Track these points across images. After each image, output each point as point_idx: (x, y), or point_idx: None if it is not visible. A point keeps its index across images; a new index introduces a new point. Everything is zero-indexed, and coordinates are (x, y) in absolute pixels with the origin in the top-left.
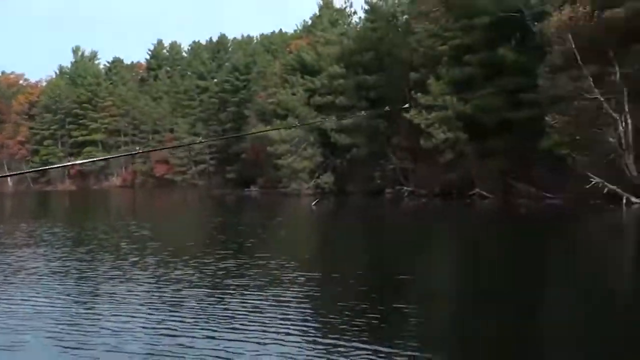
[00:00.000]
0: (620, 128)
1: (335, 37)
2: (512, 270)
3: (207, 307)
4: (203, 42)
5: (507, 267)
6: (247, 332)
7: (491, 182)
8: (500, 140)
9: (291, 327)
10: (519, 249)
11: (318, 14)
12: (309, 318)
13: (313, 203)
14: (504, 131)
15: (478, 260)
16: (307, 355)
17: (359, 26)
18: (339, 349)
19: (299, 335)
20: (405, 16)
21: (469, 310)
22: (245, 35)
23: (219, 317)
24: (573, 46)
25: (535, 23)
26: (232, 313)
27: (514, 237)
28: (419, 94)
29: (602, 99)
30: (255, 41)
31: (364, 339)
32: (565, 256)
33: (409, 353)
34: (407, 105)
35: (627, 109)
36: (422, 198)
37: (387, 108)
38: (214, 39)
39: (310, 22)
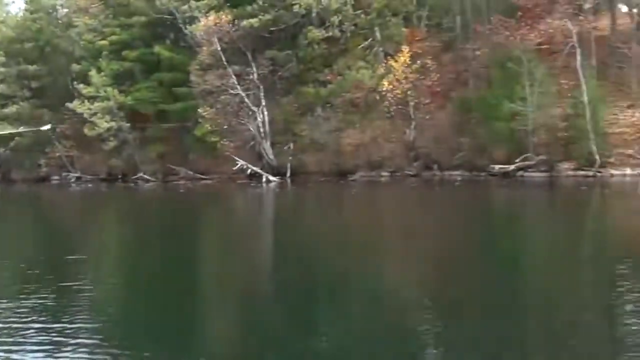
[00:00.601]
0: (259, 119)
1: None
2: (173, 237)
3: None
4: None
5: (165, 235)
6: None
7: (153, 167)
8: (159, 128)
9: None
10: (174, 220)
11: None
12: None
13: None
14: (163, 120)
15: (140, 235)
16: None
17: (19, 15)
18: (19, 331)
19: None
20: (66, 9)
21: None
22: None
23: None
24: (219, 48)
25: (187, 26)
26: None
27: (172, 212)
28: (81, 85)
29: (243, 94)
30: None
31: (39, 317)
32: (211, 219)
33: (78, 325)
34: (46, 128)
35: (263, 103)
36: (89, 183)
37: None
38: None
39: None
